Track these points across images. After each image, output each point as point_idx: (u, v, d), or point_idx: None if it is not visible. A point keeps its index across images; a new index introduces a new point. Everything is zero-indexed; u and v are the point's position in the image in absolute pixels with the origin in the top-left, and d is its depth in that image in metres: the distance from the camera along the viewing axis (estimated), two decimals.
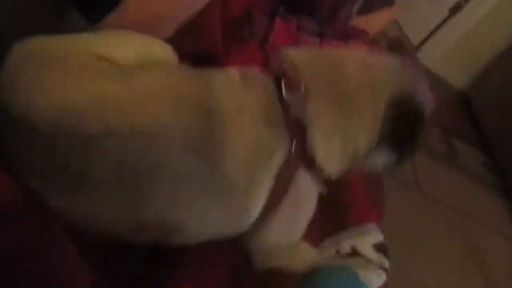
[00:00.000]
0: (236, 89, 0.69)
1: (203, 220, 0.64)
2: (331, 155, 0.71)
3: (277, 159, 0.67)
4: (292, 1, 1.11)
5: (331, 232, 0.88)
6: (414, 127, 0.74)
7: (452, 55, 3.04)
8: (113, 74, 0.61)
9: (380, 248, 0.86)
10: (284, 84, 0.69)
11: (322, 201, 0.75)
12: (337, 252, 0.86)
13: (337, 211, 0.90)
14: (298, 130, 0.69)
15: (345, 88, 0.71)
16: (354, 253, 0.85)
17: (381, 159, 0.76)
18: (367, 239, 0.87)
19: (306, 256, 0.81)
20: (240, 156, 0.64)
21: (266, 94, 0.69)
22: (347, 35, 1.18)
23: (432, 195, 1.99)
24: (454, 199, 2.08)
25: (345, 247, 0.86)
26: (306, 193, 0.73)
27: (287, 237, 0.74)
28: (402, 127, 0.73)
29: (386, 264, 0.86)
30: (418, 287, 1.59)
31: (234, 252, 0.78)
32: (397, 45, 0.80)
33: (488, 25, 2.60)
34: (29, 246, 0.56)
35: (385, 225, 0.92)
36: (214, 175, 0.62)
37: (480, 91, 2.77)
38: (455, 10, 2.85)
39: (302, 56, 0.75)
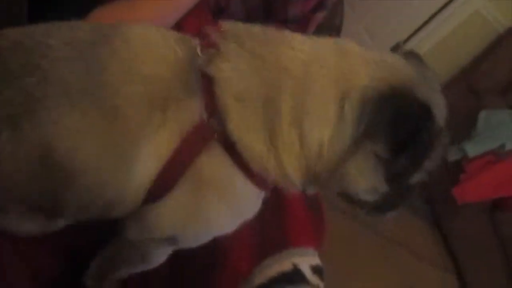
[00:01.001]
0: (150, 30, 0.64)
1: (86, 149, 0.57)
2: (250, 127, 0.58)
3: (182, 113, 0.58)
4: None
5: (272, 251, 0.87)
6: (411, 128, 0.56)
7: None
8: None
9: (317, 270, 0.87)
10: (200, 42, 0.63)
11: (263, 222, 0.70)
12: (279, 272, 0.84)
13: (278, 232, 0.89)
14: (207, 87, 0.59)
15: (272, 61, 0.60)
16: (295, 271, 0.84)
17: (365, 173, 0.60)
18: (306, 259, 0.87)
19: None
20: (120, 75, 0.58)
21: (182, 42, 0.63)
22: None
23: (369, 225, 2.08)
24: (389, 229, 2.19)
25: (287, 265, 0.84)
26: (218, 183, 0.60)
27: (188, 233, 0.65)
28: (391, 125, 0.56)
29: (321, 286, 0.86)
30: None
31: None
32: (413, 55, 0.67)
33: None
34: None
35: (324, 250, 0.94)
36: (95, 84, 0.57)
37: None
38: (395, 50, 3.00)
39: (239, 29, 0.65)
